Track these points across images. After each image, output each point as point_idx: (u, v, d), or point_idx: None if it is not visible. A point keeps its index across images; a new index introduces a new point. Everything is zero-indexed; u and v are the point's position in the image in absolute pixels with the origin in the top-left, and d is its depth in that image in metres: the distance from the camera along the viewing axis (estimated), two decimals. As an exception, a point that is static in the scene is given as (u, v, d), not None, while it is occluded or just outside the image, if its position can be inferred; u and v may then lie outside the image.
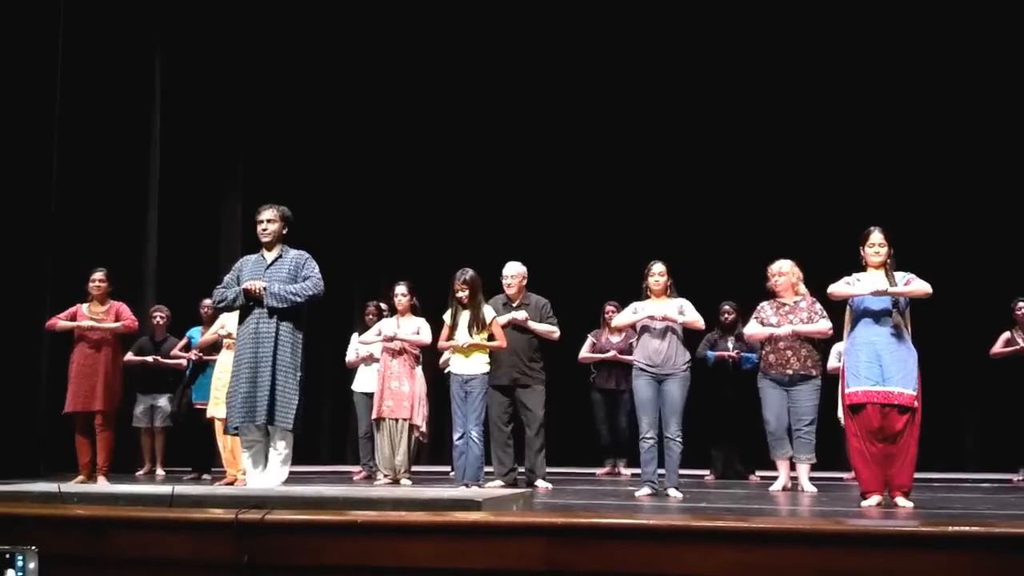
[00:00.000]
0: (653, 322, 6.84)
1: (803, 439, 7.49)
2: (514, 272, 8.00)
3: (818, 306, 7.51)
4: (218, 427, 7.83)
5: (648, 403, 6.80)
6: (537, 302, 8.01)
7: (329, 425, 12.02)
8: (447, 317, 7.44)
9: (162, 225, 10.52)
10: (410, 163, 12.57)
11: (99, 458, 7.78)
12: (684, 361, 6.85)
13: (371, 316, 9.14)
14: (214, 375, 7.99)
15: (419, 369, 8.26)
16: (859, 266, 6.10)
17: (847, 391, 5.91)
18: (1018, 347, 9.06)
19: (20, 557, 3.87)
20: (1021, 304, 9.10)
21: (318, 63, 12.07)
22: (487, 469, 7.56)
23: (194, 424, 8.90)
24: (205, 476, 8.71)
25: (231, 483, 7.52)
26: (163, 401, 9.59)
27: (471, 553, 3.95)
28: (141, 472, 9.60)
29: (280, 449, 6.18)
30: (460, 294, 7.34)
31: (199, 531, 4.21)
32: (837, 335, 7.82)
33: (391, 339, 8.10)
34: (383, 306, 9.12)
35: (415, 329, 8.13)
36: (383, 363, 8.21)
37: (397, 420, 8.07)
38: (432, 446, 10.78)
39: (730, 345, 9.07)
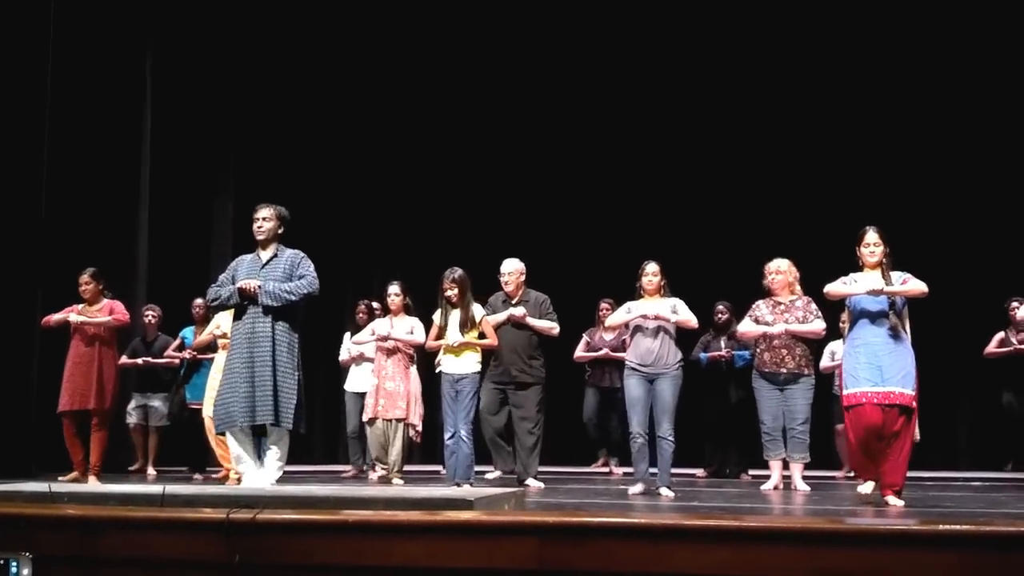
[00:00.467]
0: (646, 321, 6.84)
1: (797, 438, 7.50)
2: (511, 269, 7.98)
3: (813, 306, 7.52)
4: (210, 425, 7.83)
5: (638, 402, 6.80)
6: (536, 298, 7.99)
7: (322, 424, 11.99)
8: (436, 317, 7.43)
9: (153, 224, 10.50)
10: (404, 162, 12.56)
11: (92, 457, 7.75)
12: (676, 361, 6.85)
13: (362, 316, 9.12)
14: (210, 375, 7.98)
15: (414, 368, 8.25)
16: (855, 266, 6.10)
17: (845, 392, 5.91)
18: (1012, 347, 9.08)
19: (14, 564, 3.85)
20: (1015, 304, 9.12)
21: (310, 62, 12.04)
22: (479, 468, 7.55)
23: (189, 424, 8.89)
24: (196, 476, 8.70)
25: (225, 478, 7.51)
26: (157, 401, 9.57)
27: (463, 552, 3.94)
28: (133, 468, 9.58)
29: (277, 448, 6.20)
30: (449, 293, 7.33)
31: (190, 531, 4.19)
32: (830, 335, 7.86)
33: (385, 338, 8.09)
34: (375, 305, 9.11)
35: (409, 329, 8.11)
36: (377, 363, 8.20)
37: (391, 420, 8.06)
38: (424, 445, 10.76)
39: (722, 345, 9.08)
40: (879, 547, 3.73)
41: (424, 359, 8.62)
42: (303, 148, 12.06)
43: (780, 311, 7.60)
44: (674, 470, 6.95)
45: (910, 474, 6.04)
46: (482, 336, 7.34)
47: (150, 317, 9.57)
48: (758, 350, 7.71)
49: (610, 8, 11.70)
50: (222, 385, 6.33)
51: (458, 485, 6.90)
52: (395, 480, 8.00)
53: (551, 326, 7.95)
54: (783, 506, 6.24)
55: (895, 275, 5.99)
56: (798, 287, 7.69)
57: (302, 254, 6.39)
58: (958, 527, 3.75)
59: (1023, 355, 9.06)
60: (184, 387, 9.13)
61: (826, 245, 7.65)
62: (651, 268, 6.99)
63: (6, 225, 8.91)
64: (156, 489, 4.68)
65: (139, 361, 9.40)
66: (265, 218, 6.38)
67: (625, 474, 8.84)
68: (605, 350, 9.51)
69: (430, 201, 12.50)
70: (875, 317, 5.91)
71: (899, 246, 6.15)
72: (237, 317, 6.30)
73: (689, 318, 6.98)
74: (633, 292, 7.07)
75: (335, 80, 12.30)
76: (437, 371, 7.66)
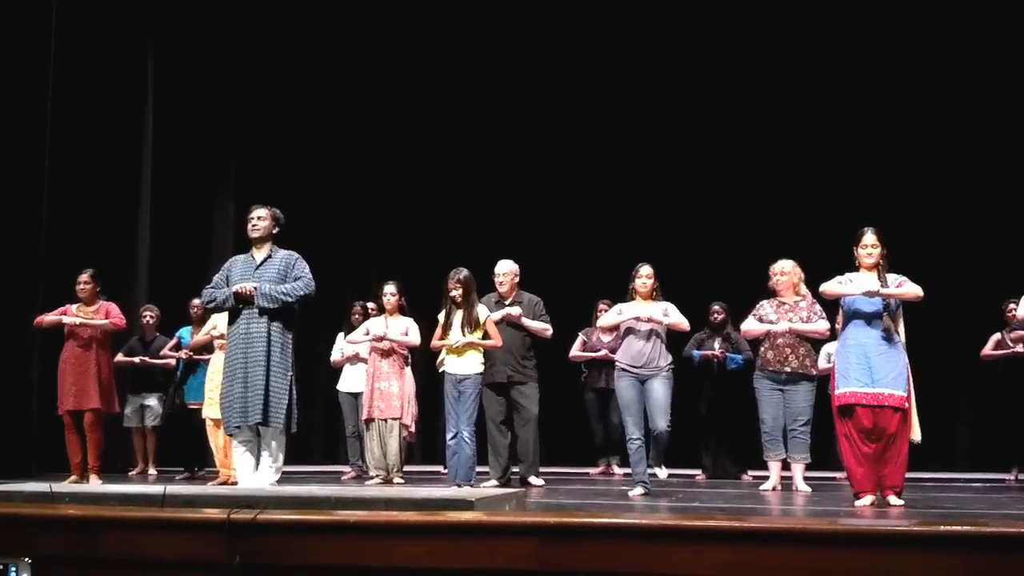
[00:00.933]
0: (638, 323, 6.84)
1: (798, 439, 7.49)
2: (505, 270, 7.99)
3: (818, 307, 7.52)
4: (210, 427, 7.83)
5: (632, 404, 6.79)
6: (529, 300, 8.01)
7: (321, 425, 12.00)
8: (442, 316, 7.44)
9: (154, 225, 10.51)
10: (402, 163, 12.55)
11: (89, 457, 7.75)
12: (667, 363, 6.85)
13: (357, 316, 9.10)
14: (208, 376, 7.98)
15: (408, 369, 8.24)
16: (852, 267, 6.10)
17: (837, 392, 5.92)
18: (1009, 350, 9.08)
19: (13, 569, 3.85)
20: (1012, 305, 9.11)
21: (310, 64, 12.04)
22: (480, 469, 7.55)
23: (186, 424, 8.88)
24: (186, 474, 8.70)
25: (224, 483, 7.50)
26: (152, 401, 9.54)
27: (464, 553, 3.94)
28: (134, 472, 9.57)
29: (272, 449, 6.18)
30: (454, 293, 7.34)
31: (191, 531, 4.19)
32: (831, 336, 7.86)
33: (380, 339, 8.09)
34: (370, 306, 9.09)
35: (403, 329, 8.11)
36: (371, 363, 8.19)
37: (387, 420, 8.06)
38: (425, 446, 10.77)
39: (717, 345, 9.07)
40: (879, 548, 3.73)
41: (423, 359, 8.62)
42: (303, 150, 12.07)
43: (784, 311, 7.60)
44: (673, 471, 6.95)
45: (910, 475, 6.04)
46: (486, 336, 7.35)
47: (148, 317, 9.56)
48: (762, 349, 7.71)
49: (609, 9, 11.70)
50: (222, 387, 6.34)
51: (459, 486, 6.89)
52: (395, 480, 8.00)
53: (544, 327, 7.97)
54: (783, 507, 6.24)
55: (891, 277, 5.99)
56: (803, 288, 7.69)
57: (297, 255, 6.39)
58: (958, 528, 3.75)
59: (1020, 357, 9.04)
60: (181, 388, 9.12)
61: (824, 246, 7.64)
62: (645, 271, 6.98)
63: (7, 226, 8.92)
64: (156, 489, 4.68)
65: (136, 360, 9.38)
66: (260, 217, 6.39)
67: (625, 475, 8.84)
68: (604, 351, 9.50)
69: (428, 202, 12.49)
70: (869, 318, 5.91)
71: (896, 247, 6.15)
72: (232, 318, 6.30)
73: (680, 320, 6.98)
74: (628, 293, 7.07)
75: (335, 82, 12.30)
76: (440, 371, 7.66)
